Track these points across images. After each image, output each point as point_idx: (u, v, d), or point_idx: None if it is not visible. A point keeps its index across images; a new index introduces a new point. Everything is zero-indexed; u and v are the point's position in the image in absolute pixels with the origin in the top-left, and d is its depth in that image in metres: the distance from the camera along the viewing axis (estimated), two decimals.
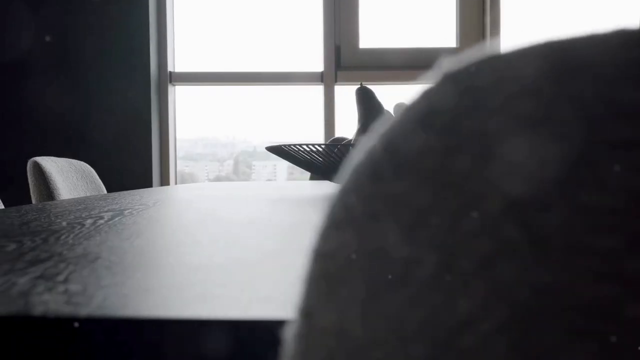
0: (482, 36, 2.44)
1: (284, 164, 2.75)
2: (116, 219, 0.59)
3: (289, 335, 0.14)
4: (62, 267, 0.31)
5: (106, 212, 0.66)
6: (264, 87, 2.57)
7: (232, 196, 1.00)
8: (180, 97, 2.52)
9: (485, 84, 0.12)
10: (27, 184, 1.27)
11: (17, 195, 1.63)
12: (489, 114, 0.12)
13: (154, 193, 1.10)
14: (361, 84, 0.97)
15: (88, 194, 1.29)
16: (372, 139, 0.14)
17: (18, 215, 0.62)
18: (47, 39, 2.26)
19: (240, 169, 2.79)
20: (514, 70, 0.12)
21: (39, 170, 1.10)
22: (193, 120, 2.60)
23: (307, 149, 0.96)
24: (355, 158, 0.14)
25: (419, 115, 0.13)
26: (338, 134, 2.47)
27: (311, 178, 1.86)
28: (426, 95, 0.13)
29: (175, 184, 2.51)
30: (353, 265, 0.12)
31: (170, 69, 2.43)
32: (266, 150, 2.85)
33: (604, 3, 2.49)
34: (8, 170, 2.19)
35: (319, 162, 0.97)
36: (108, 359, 0.22)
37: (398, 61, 2.46)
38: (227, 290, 0.27)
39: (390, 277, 0.11)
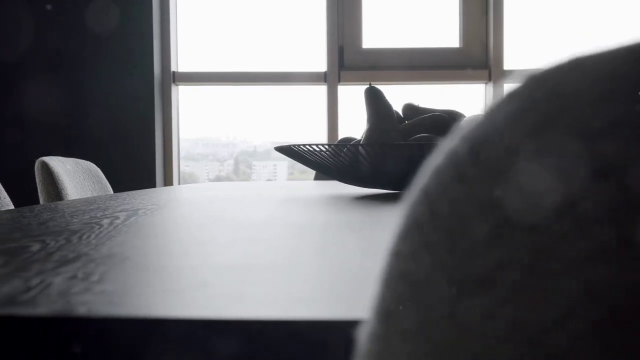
0: (485, 36, 2.44)
1: (284, 164, 2.74)
2: (132, 219, 0.58)
3: (362, 336, 0.13)
4: (93, 267, 0.31)
5: (120, 212, 0.65)
6: (267, 87, 2.57)
7: (241, 196, 1.00)
8: (183, 97, 2.52)
9: (575, 85, 0.12)
10: (33, 184, 1.27)
11: (24, 195, 1.63)
12: (579, 116, 0.12)
13: (163, 193, 1.10)
14: (370, 84, 0.96)
15: (95, 194, 1.29)
16: (454, 140, 0.14)
17: (33, 214, 0.61)
18: (51, 38, 2.26)
19: (240, 169, 2.79)
20: (604, 72, 0.12)
21: (47, 171, 1.10)
22: (195, 120, 2.59)
23: (317, 149, 0.96)
24: (435, 159, 0.13)
25: (506, 117, 0.13)
26: (341, 134, 2.47)
27: (316, 178, 1.86)
28: (513, 97, 0.13)
29: (179, 184, 2.51)
30: (437, 266, 0.12)
31: (173, 68, 2.43)
32: (266, 151, 2.84)
33: (606, 3, 2.49)
34: (14, 170, 2.19)
35: (328, 162, 0.97)
36: (150, 358, 0.22)
37: (401, 61, 2.46)
38: (264, 290, 0.26)
39: (478, 277, 0.11)
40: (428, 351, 0.12)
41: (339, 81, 2.44)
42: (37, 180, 1.11)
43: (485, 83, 2.46)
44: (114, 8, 2.27)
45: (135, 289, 0.27)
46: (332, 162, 0.97)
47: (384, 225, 0.53)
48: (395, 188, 0.99)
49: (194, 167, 2.85)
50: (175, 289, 0.26)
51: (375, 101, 0.94)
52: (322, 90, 2.51)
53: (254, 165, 2.75)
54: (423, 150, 0.85)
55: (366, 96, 0.95)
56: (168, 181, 2.42)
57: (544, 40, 2.48)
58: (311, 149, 0.96)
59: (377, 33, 2.49)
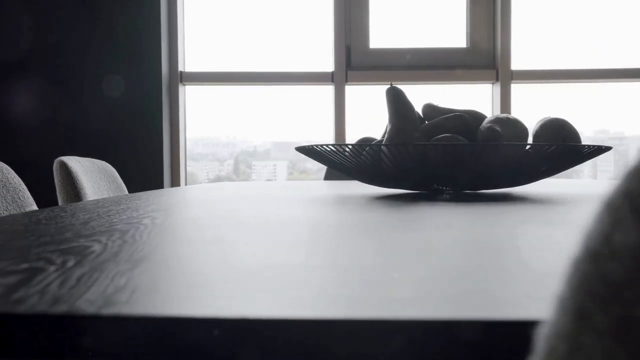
0: (492, 37, 2.44)
1: (283, 165, 2.75)
2: (170, 218, 0.59)
3: (544, 335, 0.14)
4: (169, 266, 0.31)
5: (152, 211, 0.66)
6: (272, 87, 2.56)
7: (261, 196, 1.00)
8: (189, 97, 2.52)
9: None
10: (46, 183, 1.27)
11: (38, 194, 1.63)
12: None
13: (180, 193, 1.10)
14: (391, 84, 0.97)
15: (111, 194, 1.29)
16: None
17: (68, 214, 0.62)
18: (60, 37, 2.26)
19: (240, 169, 2.79)
20: None
21: (66, 170, 1.10)
22: (196, 120, 2.59)
23: (338, 149, 0.96)
24: (636, 162, 0.13)
25: None
26: (348, 133, 2.47)
27: (326, 178, 1.86)
28: None
29: (185, 184, 2.51)
30: None
31: (180, 68, 2.43)
32: (266, 151, 2.83)
33: (612, 3, 2.49)
34: (26, 169, 2.18)
35: (349, 162, 0.97)
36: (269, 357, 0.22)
37: (408, 61, 2.46)
38: (351, 290, 0.27)
39: None
40: (628, 351, 0.12)
41: (346, 81, 2.44)
42: (56, 180, 1.11)
43: (492, 83, 2.46)
44: (123, 8, 2.27)
45: (234, 289, 0.27)
46: (353, 161, 0.97)
47: (427, 225, 0.54)
48: (417, 188, 0.99)
49: (194, 166, 2.85)
50: (276, 288, 0.26)
51: (397, 101, 0.94)
52: (326, 90, 2.51)
53: (254, 165, 2.75)
54: (447, 150, 0.86)
55: (388, 96, 0.95)
56: (175, 181, 2.42)
57: (550, 41, 2.48)
58: (333, 149, 0.96)
59: (384, 33, 2.50)
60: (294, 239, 0.44)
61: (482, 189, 0.99)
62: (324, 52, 2.52)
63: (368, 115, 2.51)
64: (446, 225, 0.53)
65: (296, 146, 1.02)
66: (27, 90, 2.27)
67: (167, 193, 1.07)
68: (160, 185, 2.29)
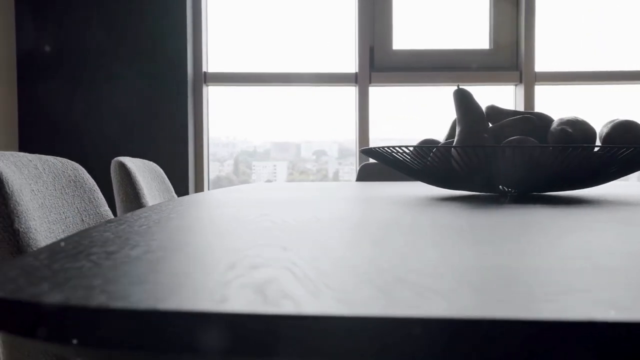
0: (516, 38, 2.45)
1: (283, 165, 2.75)
2: (265, 217, 0.59)
3: None
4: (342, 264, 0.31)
5: (237, 207, 0.66)
6: (293, 88, 2.56)
7: (316, 197, 1.00)
8: (212, 97, 2.52)
9: None
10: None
11: None
12: None
13: (237, 192, 1.10)
14: (458, 86, 0.97)
15: (162, 195, 1.29)
16: None
17: (179, 214, 0.62)
18: (89, 38, 2.25)
19: (240, 169, 2.79)
20: None
21: (125, 171, 1.10)
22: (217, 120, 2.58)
23: (403, 151, 0.96)
24: None
25: None
26: (372, 134, 2.47)
27: (358, 179, 1.86)
28: None
29: (208, 185, 2.51)
30: None
31: (204, 69, 2.43)
32: (266, 151, 2.82)
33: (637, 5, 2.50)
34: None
35: (414, 163, 0.97)
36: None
37: (431, 63, 2.47)
38: (567, 295, 0.27)
39: None
40: None
41: (370, 82, 2.45)
42: (114, 180, 1.11)
43: (515, 85, 2.47)
44: (150, 9, 2.27)
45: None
46: (419, 163, 0.98)
47: (536, 227, 0.54)
48: (481, 190, 1.00)
49: None
50: (490, 289, 0.27)
51: (465, 103, 0.94)
52: (340, 90, 2.51)
53: (254, 166, 2.75)
54: (522, 152, 0.86)
55: (456, 98, 0.96)
56: (199, 182, 2.42)
57: (575, 42, 2.49)
58: (400, 150, 0.97)
59: (407, 34, 2.50)
60: (421, 242, 0.44)
61: (550, 191, 0.99)
62: (345, 54, 2.52)
63: (387, 115, 2.51)
64: (554, 227, 0.53)
65: (361, 148, 1.03)
66: (56, 91, 2.26)
67: (239, 191, 1.07)
68: (185, 186, 2.29)
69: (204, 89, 2.44)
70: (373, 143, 2.49)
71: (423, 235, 0.48)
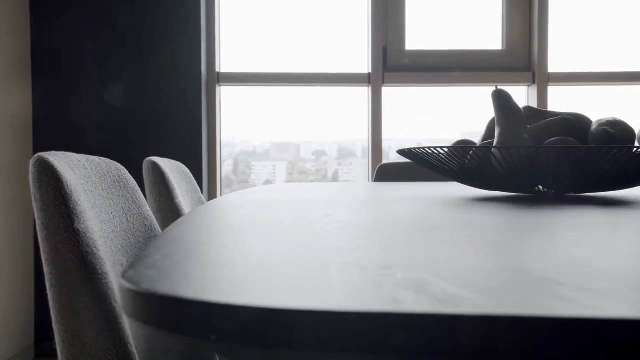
0: (529, 39, 2.45)
1: (283, 165, 2.75)
2: (331, 218, 0.59)
3: None
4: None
5: (289, 208, 0.66)
6: (293, 88, 2.55)
7: (352, 198, 1.00)
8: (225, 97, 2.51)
9: None
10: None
11: None
12: None
13: (266, 194, 1.10)
14: (496, 87, 0.97)
15: (190, 195, 1.29)
16: None
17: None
18: (107, 38, 2.25)
19: (239, 169, 2.79)
20: None
21: (159, 171, 1.10)
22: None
23: (444, 152, 0.97)
24: None
25: None
26: (385, 134, 2.47)
27: (376, 179, 1.86)
28: None
29: (221, 185, 2.51)
30: None
31: (217, 69, 2.43)
32: (265, 151, 2.82)
33: None
34: None
35: (451, 164, 0.97)
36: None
37: (444, 63, 2.47)
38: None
39: None
40: None
41: (382, 82, 2.45)
42: (147, 181, 1.11)
43: (528, 86, 2.47)
44: (165, 10, 2.27)
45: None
46: (456, 164, 0.98)
47: (596, 228, 0.54)
48: (518, 190, 1.00)
49: None
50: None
51: (504, 104, 0.94)
52: (343, 91, 2.51)
53: (253, 166, 2.75)
54: (567, 153, 0.86)
55: (495, 99, 0.96)
56: (212, 182, 2.42)
57: (588, 44, 2.50)
58: (437, 151, 0.97)
59: (419, 35, 2.50)
60: (487, 241, 0.44)
61: (587, 192, 0.99)
62: (356, 54, 2.52)
63: (396, 115, 2.51)
64: (617, 227, 0.53)
65: (398, 149, 1.03)
66: (70, 90, 2.26)
67: (258, 192, 1.07)
68: (199, 186, 2.29)
69: (217, 89, 2.43)
70: (387, 142, 2.49)
71: (513, 235, 0.48)
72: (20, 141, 2.19)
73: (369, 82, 2.46)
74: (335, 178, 2.76)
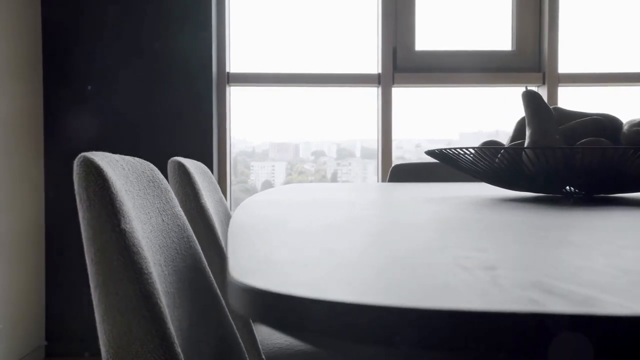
0: (538, 39, 2.45)
1: (282, 165, 2.75)
2: (377, 218, 0.58)
3: None
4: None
5: (331, 208, 0.65)
6: (293, 88, 2.55)
7: (378, 198, 1.00)
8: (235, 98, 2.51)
9: None
10: None
11: None
12: None
13: (295, 193, 1.09)
14: (526, 88, 0.98)
15: (212, 195, 1.28)
16: None
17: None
18: (126, 36, 2.25)
19: (238, 169, 2.79)
20: None
21: (185, 171, 1.09)
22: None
23: (472, 153, 0.97)
24: None
25: None
26: (395, 135, 2.47)
27: (390, 180, 1.86)
28: None
29: (230, 184, 2.50)
30: None
31: (227, 69, 2.42)
32: (264, 151, 2.81)
33: None
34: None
35: (482, 165, 0.98)
36: None
37: (454, 64, 2.47)
38: None
39: None
40: None
41: (392, 83, 2.45)
42: (173, 181, 1.11)
43: (538, 86, 2.48)
44: (177, 11, 2.26)
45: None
46: (485, 164, 0.98)
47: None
48: (546, 191, 1.00)
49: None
50: None
51: (535, 104, 0.95)
52: (344, 91, 2.51)
53: (252, 166, 2.75)
54: (603, 154, 0.86)
55: (525, 99, 0.96)
56: (222, 182, 2.42)
57: (599, 44, 2.50)
58: (466, 152, 0.97)
59: (429, 35, 2.51)
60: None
61: (615, 193, 0.99)
62: (366, 54, 2.53)
63: (402, 115, 2.52)
64: None
65: (426, 150, 1.03)
66: (81, 91, 2.25)
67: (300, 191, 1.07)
68: None
69: (227, 89, 2.43)
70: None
71: (589, 235, 0.47)
72: (32, 142, 2.18)
73: (379, 83, 2.46)
74: (334, 178, 2.76)
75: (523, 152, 0.90)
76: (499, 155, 0.95)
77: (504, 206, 0.81)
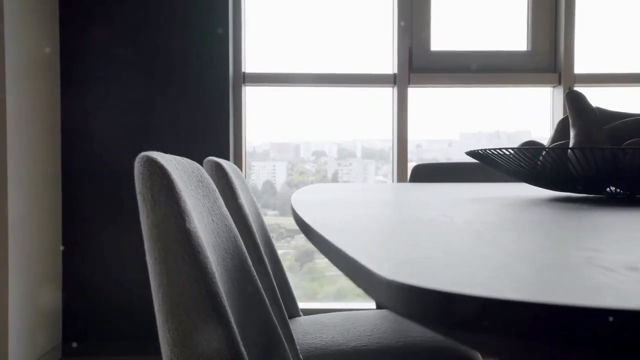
0: (554, 40, 2.45)
1: (282, 165, 2.75)
2: (448, 218, 0.58)
3: None
4: None
5: (393, 209, 0.65)
6: (293, 88, 2.55)
7: (423, 199, 1.00)
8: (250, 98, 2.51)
9: None
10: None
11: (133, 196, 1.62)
12: None
13: (339, 192, 1.09)
14: (570, 88, 0.97)
15: (244, 195, 1.28)
16: None
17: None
18: (144, 38, 2.24)
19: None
20: None
21: (222, 171, 1.09)
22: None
23: (513, 153, 0.96)
24: None
25: None
26: (411, 135, 2.47)
27: (412, 180, 1.86)
28: None
29: None
30: None
31: (243, 69, 2.42)
32: (265, 151, 2.81)
33: None
34: (108, 170, 2.17)
35: (522, 165, 0.97)
36: None
37: (469, 64, 2.47)
38: None
39: None
40: None
41: (408, 83, 2.45)
42: (212, 181, 1.10)
43: (554, 87, 2.48)
44: (194, 13, 2.26)
45: None
46: (527, 165, 0.98)
47: None
48: (587, 191, 1.00)
49: None
50: None
51: (579, 105, 0.94)
52: (344, 92, 2.51)
53: (253, 166, 2.75)
54: None
55: (569, 100, 0.96)
56: None
57: (615, 44, 2.50)
58: (507, 152, 0.97)
59: (444, 36, 2.50)
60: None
61: None
62: (381, 55, 2.52)
63: (413, 115, 2.52)
64: None
65: (466, 151, 1.03)
66: (98, 92, 2.25)
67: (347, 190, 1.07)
68: None
69: (243, 89, 2.43)
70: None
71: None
72: (50, 144, 2.18)
73: (395, 83, 2.46)
74: (334, 179, 2.76)
75: (569, 152, 0.90)
76: (542, 156, 0.95)
77: (562, 207, 0.80)
